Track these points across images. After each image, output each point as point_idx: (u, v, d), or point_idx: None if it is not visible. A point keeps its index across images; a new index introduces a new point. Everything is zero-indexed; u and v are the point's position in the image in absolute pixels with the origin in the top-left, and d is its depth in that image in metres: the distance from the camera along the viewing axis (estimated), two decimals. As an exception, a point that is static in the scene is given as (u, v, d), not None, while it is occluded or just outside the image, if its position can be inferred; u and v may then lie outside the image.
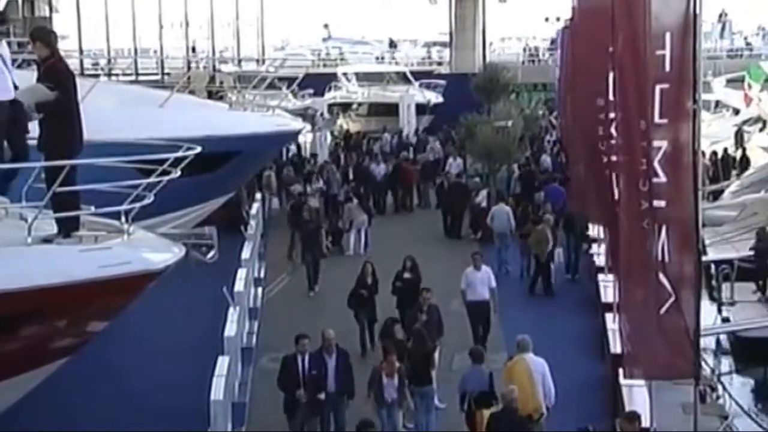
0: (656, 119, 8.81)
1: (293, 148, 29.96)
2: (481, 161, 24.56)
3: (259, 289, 17.28)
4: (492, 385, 10.90)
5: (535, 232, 17.55)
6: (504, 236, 19.98)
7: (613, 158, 11.18)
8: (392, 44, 55.10)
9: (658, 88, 8.74)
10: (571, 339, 14.17)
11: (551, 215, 18.59)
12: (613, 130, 11.20)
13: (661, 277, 8.86)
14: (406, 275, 14.80)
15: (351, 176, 26.79)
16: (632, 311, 9.50)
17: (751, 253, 17.32)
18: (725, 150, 28.68)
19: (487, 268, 14.58)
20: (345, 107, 41.01)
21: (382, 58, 51.36)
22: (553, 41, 40.24)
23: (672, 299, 8.85)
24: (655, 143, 8.83)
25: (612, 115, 11.15)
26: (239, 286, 13.66)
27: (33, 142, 8.77)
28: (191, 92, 20.80)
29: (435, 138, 32.89)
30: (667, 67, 8.66)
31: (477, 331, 14.24)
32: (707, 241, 16.47)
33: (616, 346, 11.66)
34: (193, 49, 50.34)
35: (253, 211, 20.28)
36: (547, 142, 30.77)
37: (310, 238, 17.86)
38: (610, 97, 11.08)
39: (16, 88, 8.83)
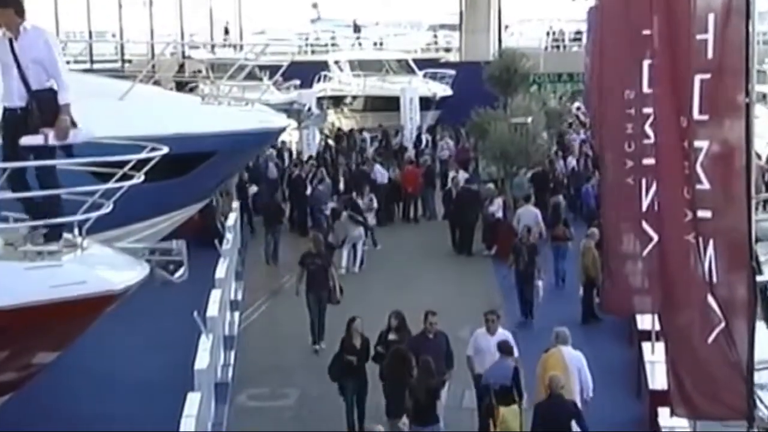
0: (696, 115, 8.78)
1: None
2: (495, 164, 24.57)
3: (236, 314, 17.28)
4: (517, 379, 11.64)
5: (587, 250, 17.53)
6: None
7: (645, 161, 11.16)
8: (356, 28, 54.99)
9: (698, 78, 8.71)
10: (601, 372, 14.18)
11: (596, 228, 18.51)
12: (647, 128, 11.19)
13: (709, 299, 8.86)
14: (392, 336, 13.14)
15: (342, 182, 26.85)
16: (674, 340, 9.53)
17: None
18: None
19: (505, 333, 12.98)
20: (337, 101, 41.13)
21: (381, 43, 51.53)
22: (582, 25, 40.39)
23: (721, 326, 8.86)
24: (697, 143, 8.79)
25: (646, 110, 11.15)
26: (212, 310, 13.66)
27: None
28: (157, 83, 20.80)
29: (447, 133, 32.89)
30: (710, 54, 8.60)
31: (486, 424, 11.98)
32: (762, 258, 16.45)
33: (654, 381, 11.67)
34: (226, 31, 50.26)
35: (230, 221, 20.29)
36: (573, 142, 30.83)
37: (316, 278, 16.26)
38: (644, 89, 11.09)
39: (29, 89, 8.72)
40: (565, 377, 11.38)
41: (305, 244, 22.66)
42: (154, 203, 15.39)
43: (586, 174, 25.07)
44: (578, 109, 39.70)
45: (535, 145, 23.58)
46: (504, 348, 12.20)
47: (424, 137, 34.48)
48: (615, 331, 16.45)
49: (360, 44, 49.77)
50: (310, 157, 29.60)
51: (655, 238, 10.29)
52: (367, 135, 35.12)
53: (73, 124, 8.81)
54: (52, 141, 8.64)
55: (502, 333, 12.89)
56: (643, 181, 11.33)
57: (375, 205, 23.43)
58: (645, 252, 11.23)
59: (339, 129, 38.07)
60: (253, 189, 25.00)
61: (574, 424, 10.87)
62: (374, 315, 14.90)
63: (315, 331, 16.16)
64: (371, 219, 22.84)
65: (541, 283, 17.10)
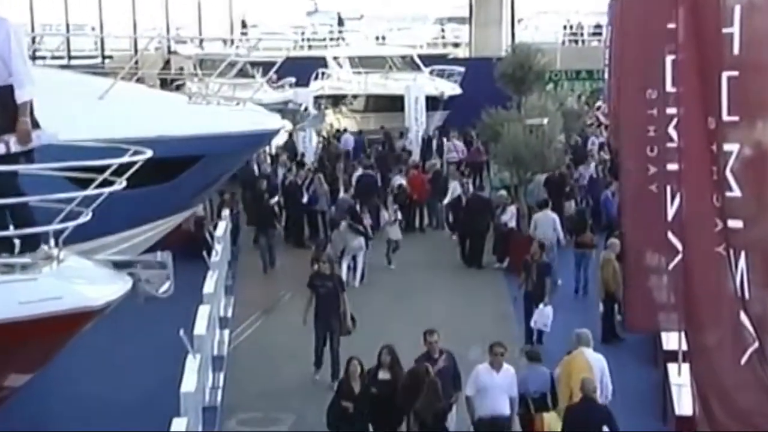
0: (725, 116, 8.75)
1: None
2: (508, 169, 24.57)
3: (226, 333, 17.27)
4: (553, 386, 12.37)
5: (607, 263, 17.49)
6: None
7: (670, 167, 11.15)
8: (340, 21, 55.06)
9: (725, 75, 8.68)
10: (624, 395, 14.15)
11: (616, 238, 18.51)
12: (671, 130, 11.18)
13: (741, 317, 8.84)
14: (382, 375, 12.65)
15: (342, 188, 26.86)
16: (702, 361, 9.51)
17: None
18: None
19: (509, 369, 12.51)
20: (336, 100, 41.15)
21: (383, 38, 51.62)
22: (602, 17, 40.42)
23: (755, 346, 8.84)
24: (726, 146, 8.77)
25: (670, 110, 11.14)
26: (200, 328, 13.63)
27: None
28: (140, 80, 20.84)
29: (455, 134, 32.88)
30: (736, 50, 8.58)
31: None
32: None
33: (681, 406, 11.64)
34: (243, 24, 50.21)
35: (219, 231, 20.31)
36: (592, 144, 30.85)
37: (327, 304, 15.61)
38: (668, 88, 11.09)
39: None
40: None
41: (301, 255, 22.94)
42: (137, 211, 15.38)
43: (605, 180, 25.05)
44: (598, 108, 39.72)
45: (552, 149, 23.53)
46: (533, 355, 12.82)
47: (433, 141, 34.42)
48: (638, 350, 16.42)
49: (343, 39, 49.60)
50: (297, 160, 29.49)
51: (682, 250, 10.25)
52: (348, 136, 34.93)
53: (36, 125, 8.74)
54: (14, 148, 8.58)
55: (507, 370, 12.39)
56: (668, 189, 11.32)
57: (399, 216, 23.38)
58: (671, 265, 11.22)
59: (337, 131, 38.02)
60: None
61: (605, 429, 11.34)
62: (375, 335, 14.92)
63: (320, 359, 15.80)
64: (396, 233, 22.66)
65: (550, 311, 16.95)
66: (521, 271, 17.71)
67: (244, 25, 51.16)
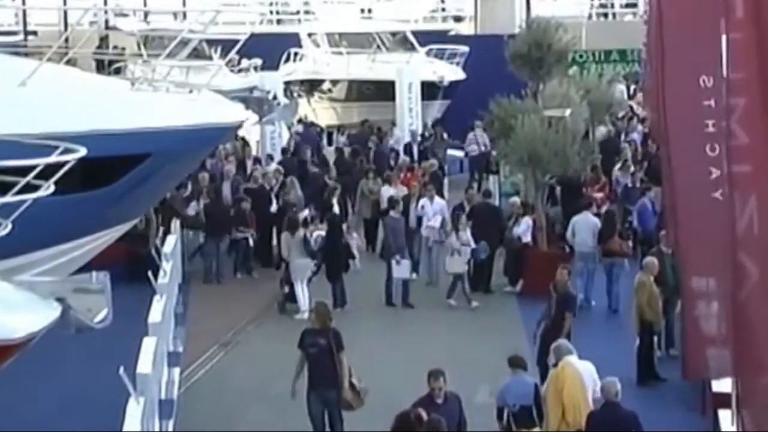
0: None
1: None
2: (522, 171, 24.57)
3: (176, 371, 17.22)
4: (538, 398, 13.00)
5: (642, 286, 17.48)
6: (589, 258, 20.91)
7: (737, 168, 11.06)
8: None
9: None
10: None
11: (653, 257, 18.50)
12: (735, 125, 11.12)
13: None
14: None
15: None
16: (763, 410, 9.48)
17: None
18: None
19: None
20: (311, 87, 41.15)
21: (369, 11, 51.60)
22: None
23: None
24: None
25: (732, 100, 11.08)
26: (144, 365, 13.58)
27: None
28: (71, 62, 20.77)
29: (479, 125, 32.74)
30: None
31: None
32: None
33: (735, 462, 11.63)
34: None
35: (168, 247, 20.25)
36: (628, 143, 30.85)
37: (321, 369, 14.65)
38: (727, 73, 11.06)
39: None
40: (583, 392, 12.89)
41: (269, 276, 22.93)
42: (67, 223, 15.34)
43: (642, 186, 25.01)
44: (632, 97, 39.76)
45: (575, 146, 23.50)
46: (516, 361, 13.44)
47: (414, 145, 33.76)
48: (682, 394, 16.41)
49: (320, 12, 49.31)
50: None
51: (756, 273, 10.15)
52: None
53: None
54: None
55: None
56: (736, 196, 11.25)
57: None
58: (743, 292, 11.13)
59: (312, 124, 37.99)
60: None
61: None
62: (364, 374, 14.85)
63: None
64: (403, 271, 22.07)
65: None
66: (549, 298, 17.17)
67: None
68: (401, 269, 21.83)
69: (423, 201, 23.80)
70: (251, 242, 24.17)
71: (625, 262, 21.08)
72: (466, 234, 21.88)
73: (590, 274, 21.30)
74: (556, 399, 12.95)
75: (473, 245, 21.87)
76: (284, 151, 31.69)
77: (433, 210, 23.52)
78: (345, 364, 14.61)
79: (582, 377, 13.10)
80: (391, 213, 22.55)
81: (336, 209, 24.51)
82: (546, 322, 16.87)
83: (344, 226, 23.46)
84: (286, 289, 21.36)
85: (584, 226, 21.52)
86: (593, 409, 12.65)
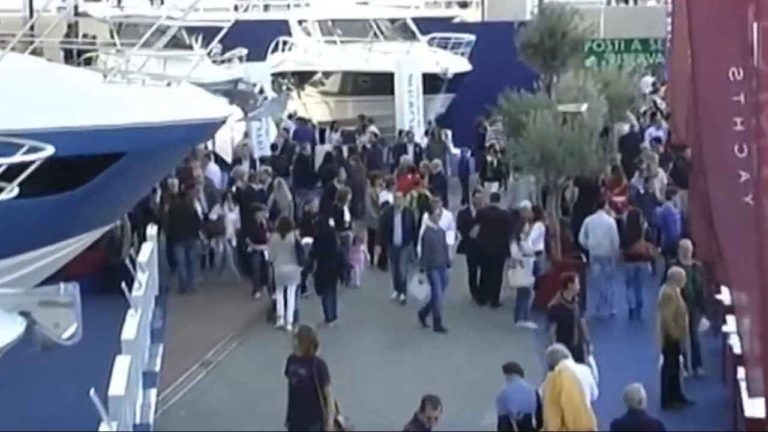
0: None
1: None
2: (534, 172, 24.56)
3: (152, 393, 17.21)
4: (539, 405, 13.61)
5: (667, 300, 17.44)
6: (606, 262, 21.01)
7: (766, 170, 11.09)
8: None
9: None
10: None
11: (680, 267, 18.52)
12: (765, 123, 11.12)
13: None
14: None
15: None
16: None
17: None
18: None
19: None
20: (302, 79, 41.12)
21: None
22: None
23: None
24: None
25: (763, 95, 11.07)
26: (117, 386, 13.60)
27: None
28: (37, 52, 20.82)
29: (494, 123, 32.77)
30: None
31: None
32: None
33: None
34: None
35: (143, 256, 20.26)
36: (657, 141, 30.85)
37: (302, 401, 14.39)
38: (757, 64, 11.06)
39: None
40: (581, 397, 13.49)
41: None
42: (33, 229, 15.36)
43: (667, 188, 25.02)
44: (655, 91, 39.77)
45: (593, 145, 23.48)
46: (511, 367, 14.13)
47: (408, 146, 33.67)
48: (712, 418, 16.47)
49: None
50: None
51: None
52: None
53: None
54: None
55: None
56: (767, 202, 11.26)
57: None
58: None
59: (302, 120, 37.98)
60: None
61: None
62: (359, 395, 14.87)
63: None
64: (421, 291, 21.78)
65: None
66: (550, 323, 17.12)
67: None
68: (419, 289, 21.50)
69: (426, 219, 22.76)
70: (228, 249, 24.27)
71: (649, 266, 21.28)
72: (528, 243, 21.63)
73: (608, 279, 21.43)
74: (554, 404, 13.44)
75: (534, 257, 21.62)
76: (273, 147, 31.70)
77: (442, 226, 22.43)
78: (331, 399, 14.20)
79: (579, 380, 13.68)
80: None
81: (347, 216, 24.35)
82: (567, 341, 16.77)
83: (350, 236, 23.57)
84: (275, 297, 21.43)
85: (599, 226, 21.57)
86: (617, 417, 13.07)
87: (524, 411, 13.73)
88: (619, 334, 20.35)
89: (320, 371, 14.25)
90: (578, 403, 13.49)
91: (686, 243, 18.94)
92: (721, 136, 12.57)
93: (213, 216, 24.50)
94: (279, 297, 21.34)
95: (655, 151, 28.75)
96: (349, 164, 29.65)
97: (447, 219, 23.03)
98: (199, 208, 24.60)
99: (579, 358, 16.58)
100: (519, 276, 21.43)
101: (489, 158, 30.55)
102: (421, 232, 22.12)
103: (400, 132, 35.05)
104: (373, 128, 35.54)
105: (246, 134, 32.80)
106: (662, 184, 25.57)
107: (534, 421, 13.76)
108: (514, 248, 21.55)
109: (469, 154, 33.86)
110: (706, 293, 18.41)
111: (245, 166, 28.34)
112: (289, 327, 20.56)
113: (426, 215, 22.84)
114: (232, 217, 24.55)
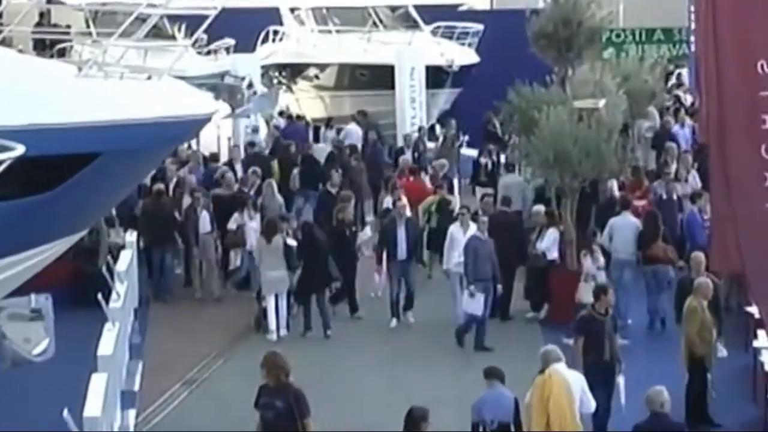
0: None
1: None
2: (547, 174, 24.55)
3: (131, 414, 17.23)
4: (517, 414, 13.89)
5: (692, 313, 17.42)
6: (628, 266, 21.30)
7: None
8: None
9: None
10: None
11: (708, 279, 18.50)
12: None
13: None
14: None
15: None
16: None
17: None
18: None
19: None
20: (294, 72, 41.14)
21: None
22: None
23: None
24: None
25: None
26: (93, 406, 13.61)
27: None
28: (6, 42, 20.81)
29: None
30: None
31: None
32: None
33: None
34: None
35: (121, 264, 20.26)
36: (694, 142, 30.82)
37: None
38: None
39: None
40: (569, 404, 13.86)
41: (243, 300, 22.94)
42: (1, 235, 15.33)
43: (692, 192, 24.99)
44: (679, 86, 39.73)
45: (612, 144, 23.49)
46: (494, 373, 14.38)
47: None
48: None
49: None
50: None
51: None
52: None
53: None
54: None
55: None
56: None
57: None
58: None
59: (296, 117, 38.00)
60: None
61: None
62: (353, 418, 14.90)
63: None
64: (474, 307, 21.23)
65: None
66: (576, 335, 17.09)
67: None
68: (473, 304, 20.97)
69: (453, 228, 22.50)
70: (247, 262, 24.07)
71: (669, 269, 21.35)
72: (601, 256, 21.48)
73: (628, 285, 21.60)
74: (541, 409, 13.82)
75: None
76: (251, 144, 31.64)
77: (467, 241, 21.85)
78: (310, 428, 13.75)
79: (570, 386, 14.03)
80: (476, 233, 21.73)
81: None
82: (589, 360, 16.68)
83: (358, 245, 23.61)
84: (264, 304, 21.46)
85: (624, 227, 21.75)
86: (638, 421, 13.40)
87: (499, 419, 13.96)
88: (638, 347, 20.29)
89: (299, 402, 13.72)
90: (565, 410, 13.88)
91: (698, 256, 18.95)
92: (746, 135, 12.60)
93: (232, 225, 24.13)
94: (270, 306, 21.41)
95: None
96: (349, 165, 29.69)
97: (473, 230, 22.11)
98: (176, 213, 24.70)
99: (609, 377, 16.65)
100: (589, 291, 21.07)
101: (483, 160, 30.60)
102: (464, 241, 21.66)
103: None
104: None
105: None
106: (692, 189, 25.48)
107: (512, 430, 14.03)
108: (587, 261, 21.27)
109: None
110: (724, 310, 18.46)
111: (238, 168, 28.39)
112: (275, 337, 20.93)
113: (457, 224, 22.59)
114: (254, 226, 23.92)
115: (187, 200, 24.98)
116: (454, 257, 21.99)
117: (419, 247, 23.25)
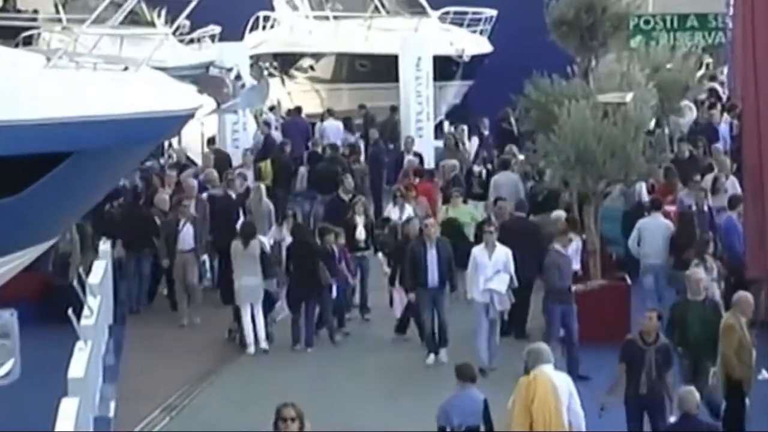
0: None
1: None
2: (569, 176, 24.54)
3: (105, 443, 17.26)
4: (488, 417, 14.29)
5: (729, 330, 17.19)
6: (661, 272, 21.70)
7: None
8: None
9: None
10: None
11: (744, 290, 18.47)
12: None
13: None
14: None
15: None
16: None
17: None
18: None
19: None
20: (287, 63, 41.22)
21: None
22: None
23: None
24: None
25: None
26: (63, 435, 13.63)
27: None
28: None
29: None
30: None
31: None
32: None
33: None
34: None
35: (95, 277, 20.27)
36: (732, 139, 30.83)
37: None
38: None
39: None
40: (555, 406, 14.15)
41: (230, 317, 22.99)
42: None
43: (732, 197, 24.93)
44: (713, 78, 39.75)
45: (640, 143, 23.48)
46: (467, 373, 14.80)
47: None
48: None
49: None
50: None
51: None
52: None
53: None
54: None
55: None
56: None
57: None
58: None
59: (289, 111, 38.05)
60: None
61: None
62: None
63: None
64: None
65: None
66: (620, 356, 16.93)
67: None
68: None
69: (476, 251, 21.59)
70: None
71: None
72: (714, 264, 21.09)
73: (659, 294, 21.69)
74: (523, 411, 14.15)
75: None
76: (210, 141, 31.74)
77: (495, 264, 21.24)
78: None
79: (556, 389, 14.30)
80: (557, 246, 21.32)
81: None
82: (630, 390, 16.62)
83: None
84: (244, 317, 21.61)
85: (655, 230, 21.96)
86: (670, 422, 14.24)
87: (468, 423, 14.36)
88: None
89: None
90: (552, 413, 14.16)
91: (696, 273, 18.81)
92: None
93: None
94: (245, 318, 21.53)
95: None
96: (351, 167, 29.75)
97: (504, 255, 21.38)
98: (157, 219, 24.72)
99: (650, 413, 16.53)
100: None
101: (476, 168, 30.49)
102: (546, 257, 21.21)
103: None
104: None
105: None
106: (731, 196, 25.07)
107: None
108: (700, 270, 20.29)
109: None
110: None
111: (249, 174, 28.52)
112: (252, 350, 21.26)
113: (481, 246, 21.73)
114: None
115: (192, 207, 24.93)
116: (479, 284, 21.18)
117: (451, 271, 22.03)
